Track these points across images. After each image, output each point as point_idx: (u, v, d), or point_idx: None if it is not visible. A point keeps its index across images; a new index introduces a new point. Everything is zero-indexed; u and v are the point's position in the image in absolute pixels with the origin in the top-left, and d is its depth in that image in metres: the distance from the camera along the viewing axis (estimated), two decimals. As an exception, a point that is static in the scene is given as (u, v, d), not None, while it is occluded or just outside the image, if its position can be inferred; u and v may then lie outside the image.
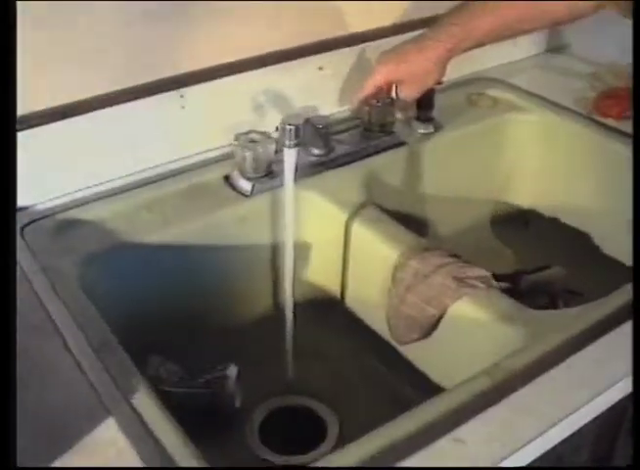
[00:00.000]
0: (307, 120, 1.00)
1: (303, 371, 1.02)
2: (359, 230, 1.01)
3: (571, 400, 0.72)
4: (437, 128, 1.18)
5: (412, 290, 0.93)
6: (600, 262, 1.19)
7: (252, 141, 1.01)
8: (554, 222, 1.26)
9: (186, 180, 1.04)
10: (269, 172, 1.03)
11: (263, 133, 1.01)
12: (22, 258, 0.88)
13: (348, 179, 1.07)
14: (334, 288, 1.10)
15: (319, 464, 0.67)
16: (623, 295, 0.83)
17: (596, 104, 1.22)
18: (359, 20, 1.16)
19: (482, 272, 0.91)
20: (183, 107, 1.03)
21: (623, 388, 0.74)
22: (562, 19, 1.05)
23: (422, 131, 1.17)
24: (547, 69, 1.39)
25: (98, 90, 0.97)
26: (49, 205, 0.98)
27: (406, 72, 1.04)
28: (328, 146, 1.09)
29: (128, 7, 0.95)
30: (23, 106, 0.89)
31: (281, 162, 0.90)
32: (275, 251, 1.06)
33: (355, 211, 1.01)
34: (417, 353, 0.98)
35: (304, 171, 1.04)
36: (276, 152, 1.00)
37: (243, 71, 1.07)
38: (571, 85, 1.30)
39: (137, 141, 1.02)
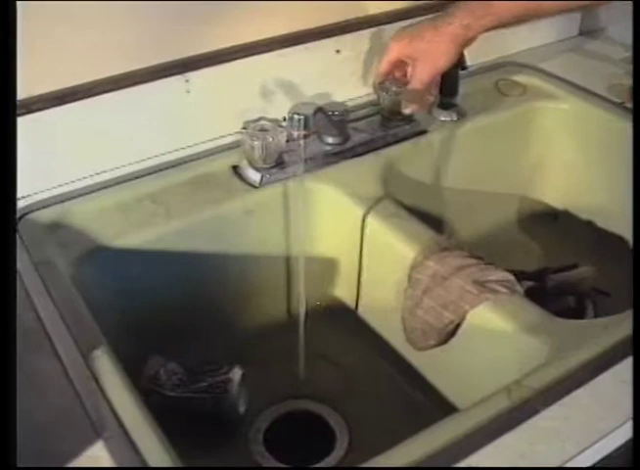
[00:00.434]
0: (320, 109, 0.94)
1: (311, 374, 0.97)
2: (375, 226, 0.96)
3: (599, 425, 0.66)
4: (461, 116, 1.13)
5: (429, 293, 0.87)
6: (630, 262, 1.13)
7: (262, 129, 0.96)
8: (584, 219, 1.22)
9: (191, 170, 1.00)
10: (280, 163, 0.99)
11: (274, 121, 0.97)
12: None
13: (365, 171, 1.02)
14: (347, 287, 1.06)
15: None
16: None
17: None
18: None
19: (506, 275, 0.85)
20: (188, 92, 0.99)
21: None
22: None
23: (444, 119, 1.12)
24: (580, 53, 1.34)
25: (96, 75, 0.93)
26: (45, 195, 0.94)
27: (419, 50, 0.98)
28: (343, 134, 1.04)
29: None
30: (20, 90, 0.86)
31: (292, 151, 0.85)
32: (285, 246, 1.01)
33: (371, 206, 0.96)
34: (430, 363, 0.93)
35: (317, 162, 1.01)
36: (287, 141, 0.96)
37: (253, 55, 1.02)
38: (606, 71, 1.25)
39: (139, 128, 0.98)
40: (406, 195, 1.02)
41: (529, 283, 1.00)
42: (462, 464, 0.62)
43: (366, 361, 1.01)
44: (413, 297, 0.90)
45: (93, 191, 0.95)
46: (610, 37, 1.37)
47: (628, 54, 1.26)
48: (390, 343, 0.99)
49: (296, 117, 0.82)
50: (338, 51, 1.10)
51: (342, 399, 0.96)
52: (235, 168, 1.00)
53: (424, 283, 0.88)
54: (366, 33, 1.11)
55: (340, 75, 1.11)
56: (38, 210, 0.91)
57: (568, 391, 0.69)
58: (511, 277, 0.85)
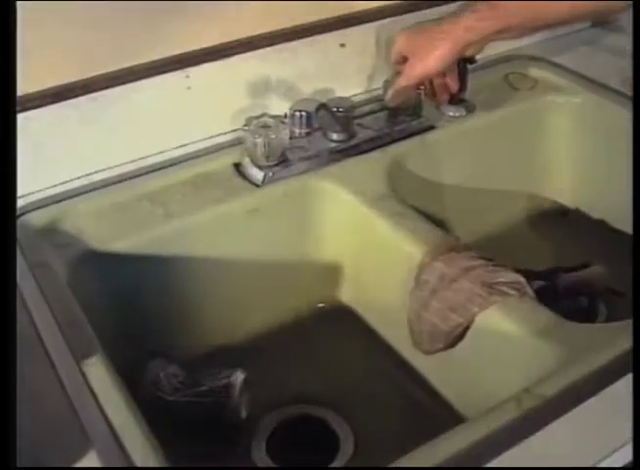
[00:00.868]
0: (323, 105, 0.92)
1: (315, 378, 0.95)
2: (381, 225, 0.93)
3: (614, 436, 0.63)
4: (470, 111, 1.10)
5: (436, 295, 0.85)
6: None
7: (265, 126, 0.94)
8: (595, 217, 1.19)
9: (191, 168, 0.98)
10: (283, 160, 0.96)
11: (277, 117, 0.95)
12: (9, 254, 0.82)
13: (370, 168, 0.99)
14: (351, 288, 1.03)
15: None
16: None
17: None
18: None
19: (516, 277, 0.82)
20: (189, 88, 0.97)
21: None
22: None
23: (452, 114, 1.09)
24: (594, 45, 1.30)
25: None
26: (41, 195, 0.92)
27: (417, 46, 0.96)
28: (349, 131, 1.01)
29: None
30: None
31: (296, 149, 0.83)
32: (288, 246, 0.99)
33: (377, 204, 0.94)
34: (436, 366, 0.90)
35: (322, 159, 0.98)
36: (290, 138, 0.94)
37: (255, 49, 1.00)
38: (620, 64, 1.20)
39: (138, 125, 0.96)
40: (413, 193, 1.00)
41: (540, 283, 0.98)
42: (469, 477, 0.60)
43: (370, 365, 0.98)
44: (420, 298, 0.87)
45: (90, 191, 0.93)
46: (624, 29, 1.32)
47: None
48: (396, 346, 0.96)
49: (297, 113, 0.79)
50: (342, 45, 1.07)
51: (347, 403, 0.93)
52: (237, 166, 0.98)
53: (431, 284, 0.86)
54: (372, 26, 1.09)
55: (344, 70, 1.09)
56: (33, 210, 0.90)
57: (580, 399, 0.66)
58: (521, 279, 0.82)
